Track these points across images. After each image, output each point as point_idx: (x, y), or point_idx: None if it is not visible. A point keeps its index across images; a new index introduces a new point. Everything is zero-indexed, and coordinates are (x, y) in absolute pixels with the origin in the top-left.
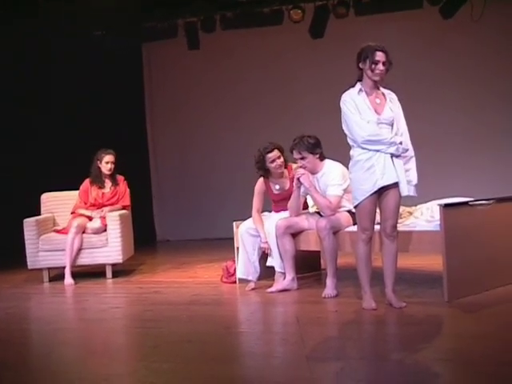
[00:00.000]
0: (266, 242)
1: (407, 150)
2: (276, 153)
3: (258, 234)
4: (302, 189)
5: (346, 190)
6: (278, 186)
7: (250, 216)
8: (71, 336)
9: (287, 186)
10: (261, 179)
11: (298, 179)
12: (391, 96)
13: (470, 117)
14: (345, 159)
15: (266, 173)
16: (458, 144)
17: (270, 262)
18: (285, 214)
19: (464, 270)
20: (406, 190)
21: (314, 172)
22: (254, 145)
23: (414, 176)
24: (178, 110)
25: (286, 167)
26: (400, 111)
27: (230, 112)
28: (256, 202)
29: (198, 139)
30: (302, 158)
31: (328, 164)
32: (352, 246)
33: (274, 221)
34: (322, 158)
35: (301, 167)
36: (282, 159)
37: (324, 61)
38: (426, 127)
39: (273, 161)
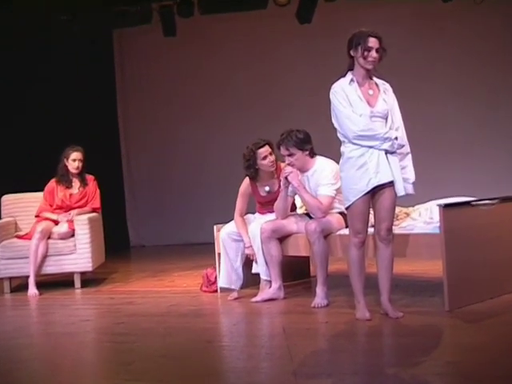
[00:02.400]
0: (250, 247)
1: (403, 146)
2: (268, 148)
3: (241, 239)
4: (290, 188)
5: (338, 190)
6: (267, 188)
7: (233, 219)
8: (36, 352)
9: (276, 187)
10: (246, 180)
11: (286, 178)
12: (385, 87)
13: (472, 109)
14: (338, 156)
15: (255, 173)
16: (460, 139)
17: (254, 269)
18: (271, 217)
19: (466, 277)
20: (403, 189)
21: (303, 170)
22: (236, 140)
23: (411, 173)
24: (152, 102)
25: (276, 167)
26: (395, 103)
27: (210, 105)
28: (239, 205)
29: (174, 135)
30: (290, 155)
31: (319, 161)
32: (344, 251)
33: (258, 224)
34: (312, 155)
35: (289, 165)
36: (273, 156)
37: (312, 48)
38: (423, 120)
39: (265, 157)
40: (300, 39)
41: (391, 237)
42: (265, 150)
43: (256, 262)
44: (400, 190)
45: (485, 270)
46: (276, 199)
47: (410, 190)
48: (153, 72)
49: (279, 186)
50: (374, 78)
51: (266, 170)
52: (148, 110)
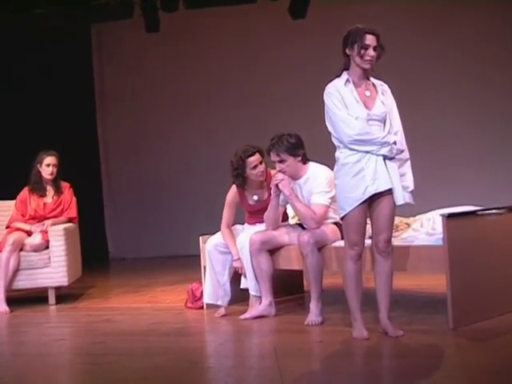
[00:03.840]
0: (239, 260)
1: (402, 151)
2: (258, 157)
3: (229, 251)
4: (281, 197)
5: (333, 199)
6: (256, 197)
7: (219, 230)
8: (6, 375)
9: (265, 195)
10: (233, 188)
11: (277, 186)
12: (383, 88)
13: (476, 114)
14: (333, 162)
15: (243, 181)
16: (464, 143)
17: (243, 284)
18: (261, 227)
19: (472, 292)
20: (402, 197)
21: (295, 177)
22: (225, 144)
23: (410, 181)
24: (134, 103)
25: (266, 175)
26: (394, 106)
27: (196, 106)
28: (226, 215)
29: (158, 139)
30: (281, 161)
31: (312, 168)
32: (339, 264)
33: (247, 235)
34: (304, 161)
35: (280, 171)
36: (263, 165)
37: (306, 45)
38: (424, 124)
39: (255, 167)
40: (293, 36)
41: (390, 249)
42: (255, 159)
43: (245, 276)
44: (399, 198)
45: (492, 284)
46: (264, 208)
47: (409, 198)
48: (134, 71)
49: (269, 195)
50: (372, 79)
51: (255, 179)
52: (129, 111)
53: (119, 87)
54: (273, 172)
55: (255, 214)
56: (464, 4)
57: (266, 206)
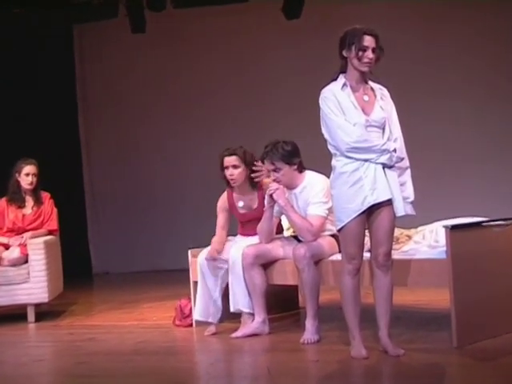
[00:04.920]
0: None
1: (402, 159)
2: (233, 159)
3: (222, 265)
4: (276, 208)
5: (330, 210)
6: (241, 203)
7: (209, 244)
8: None
9: (255, 204)
10: (224, 194)
11: (271, 196)
12: (382, 92)
13: (482, 116)
14: (331, 170)
15: (228, 181)
16: (468, 151)
17: (233, 307)
18: (254, 240)
19: (477, 308)
20: (402, 208)
21: (291, 187)
22: (217, 150)
23: (410, 191)
24: (118, 107)
25: (254, 182)
26: (393, 111)
27: (185, 112)
28: (220, 220)
29: (144, 145)
30: (276, 170)
31: (309, 177)
32: (337, 279)
33: (240, 248)
34: (300, 170)
35: (274, 181)
36: (239, 170)
37: (301, 47)
38: (425, 130)
39: (226, 167)
40: (287, 37)
41: (390, 263)
42: (228, 160)
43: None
44: (399, 209)
45: (498, 300)
46: (257, 218)
47: (410, 210)
48: (119, 74)
49: (260, 204)
50: (370, 82)
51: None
52: (114, 116)
53: (103, 91)
54: (267, 181)
55: (247, 224)
56: (464, 4)
57: (258, 217)
